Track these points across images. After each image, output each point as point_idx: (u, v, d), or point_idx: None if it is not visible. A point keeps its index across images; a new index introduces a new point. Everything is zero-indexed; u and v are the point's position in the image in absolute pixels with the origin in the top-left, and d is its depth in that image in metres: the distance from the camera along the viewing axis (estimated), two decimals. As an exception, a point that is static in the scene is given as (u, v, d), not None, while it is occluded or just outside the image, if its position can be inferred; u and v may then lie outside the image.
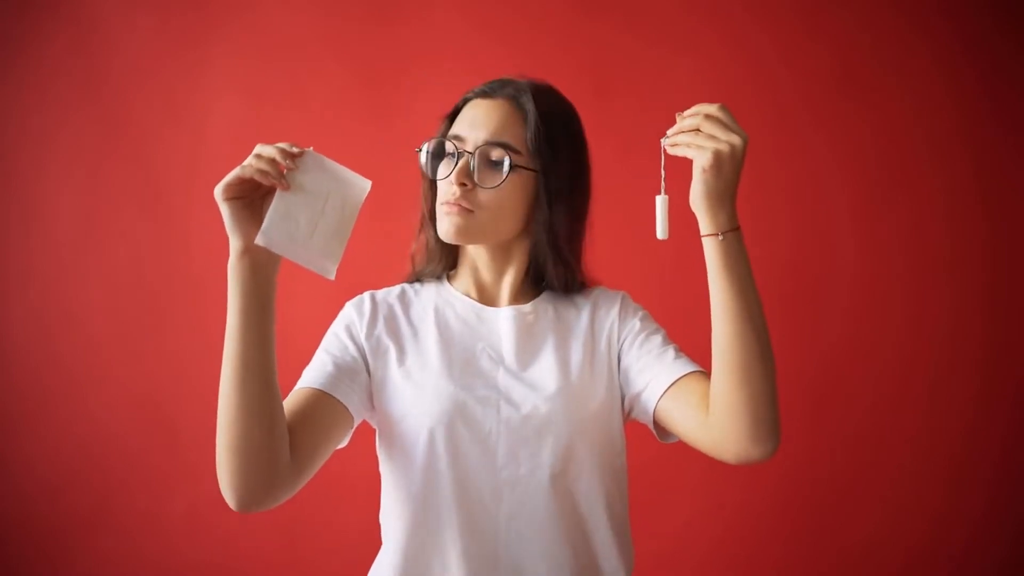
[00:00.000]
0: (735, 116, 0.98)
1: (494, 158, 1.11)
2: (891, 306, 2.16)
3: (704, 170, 0.97)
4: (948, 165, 2.15)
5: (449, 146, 1.13)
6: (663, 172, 1.04)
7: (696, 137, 0.97)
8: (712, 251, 1.00)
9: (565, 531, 1.11)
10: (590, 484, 1.13)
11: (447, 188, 1.12)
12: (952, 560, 2.14)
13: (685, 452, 1.94)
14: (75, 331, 2.18)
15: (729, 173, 0.97)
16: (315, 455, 1.06)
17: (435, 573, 1.11)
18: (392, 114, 2.14)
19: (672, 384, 1.12)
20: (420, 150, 1.15)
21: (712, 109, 0.98)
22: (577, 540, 1.12)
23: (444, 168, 1.13)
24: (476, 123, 1.13)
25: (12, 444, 2.17)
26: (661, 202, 1.04)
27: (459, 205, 1.11)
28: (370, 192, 1.01)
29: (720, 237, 0.99)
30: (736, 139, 0.96)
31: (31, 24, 2.18)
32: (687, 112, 1.00)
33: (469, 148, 1.12)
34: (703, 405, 1.07)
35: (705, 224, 1.00)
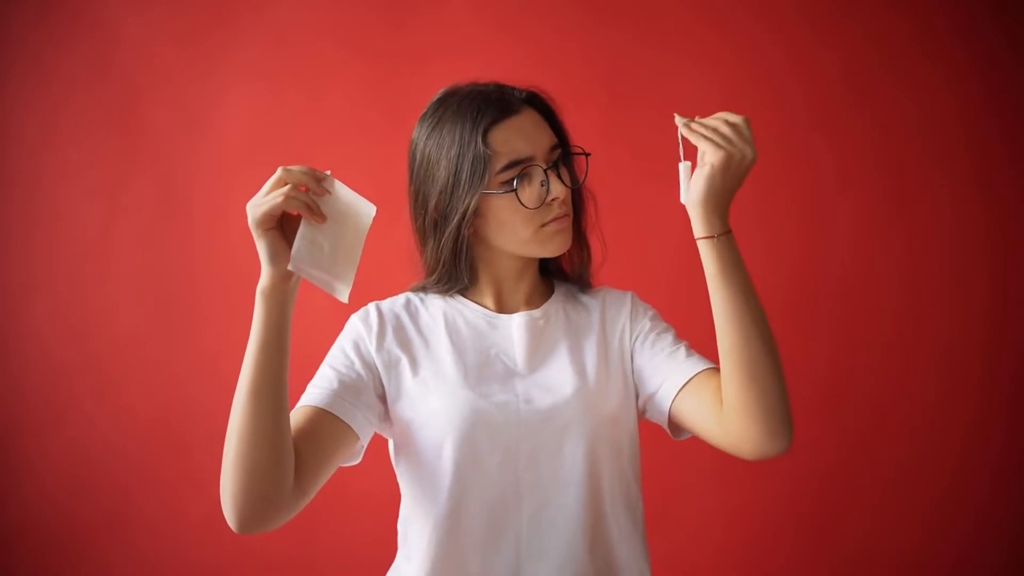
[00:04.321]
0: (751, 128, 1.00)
1: (562, 159, 1.15)
2: (892, 307, 2.17)
3: (712, 167, 0.99)
4: (950, 168, 2.17)
5: (524, 167, 1.11)
6: (681, 141, 1.05)
7: (714, 134, 1.00)
8: (708, 254, 1.02)
9: (587, 533, 1.11)
10: (611, 485, 1.12)
11: (551, 206, 1.12)
12: (952, 560, 2.16)
13: (690, 455, 1.96)
14: (85, 340, 2.18)
15: (732, 180, 1.00)
16: (318, 474, 1.05)
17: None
18: (406, 114, 2.13)
19: (686, 383, 1.12)
20: (514, 186, 1.10)
21: (737, 119, 1.01)
22: (599, 543, 1.12)
23: (536, 190, 1.11)
24: (531, 137, 1.12)
25: (23, 454, 2.17)
26: (684, 168, 1.05)
27: (568, 216, 1.14)
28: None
29: (715, 239, 1.01)
30: (748, 150, 0.99)
31: (34, 23, 2.18)
32: (714, 115, 1.02)
33: (545, 160, 1.12)
34: (717, 402, 1.07)
35: (699, 227, 1.02)
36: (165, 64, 2.18)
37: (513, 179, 1.10)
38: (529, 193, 1.11)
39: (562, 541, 1.10)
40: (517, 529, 1.10)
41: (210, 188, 2.17)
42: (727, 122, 1.00)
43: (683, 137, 1.04)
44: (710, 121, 1.01)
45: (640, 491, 1.18)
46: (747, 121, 1.00)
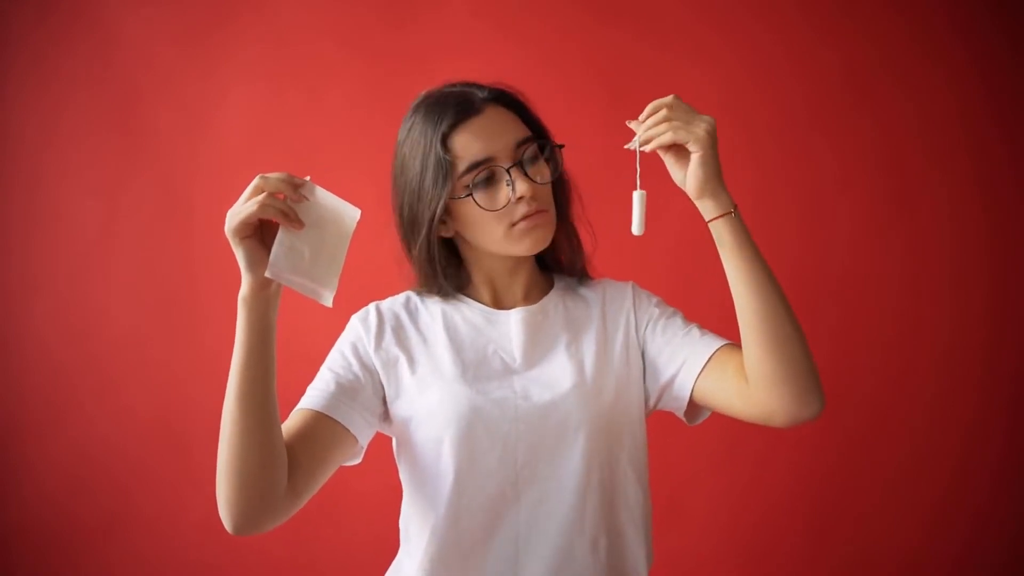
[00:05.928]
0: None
1: (535, 153, 1.13)
2: (892, 307, 2.17)
3: (704, 151, 0.99)
4: (950, 168, 2.17)
5: (490, 167, 1.09)
6: (638, 168, 1.05)
7: (673, 126, 0.99)
8: (725, 231, 1.02)
9: (585, 528, 1.11)
10: (611, 480, 1.13)
11: (523, 203, 1.09)
12: (951, 560, 2.16)
13: (691, 453, 1.96)
14: (85, 340, 2.18)
15: (716, 150, 1.00)
16: (314, 477, 1.06)
17: (460, 574, 1.12)
18: (404, 113, 2.15)
19: (708, 361, 1.12)
20: (471, 191, 1.09)
21: (669, 101, 1.01)
22: (598, 537, 1.12)
23: (501, 190, 1.09)
24: (492, 137, 1.10)
25: (23, 454, 2.17)
26: (639, 198, 1.04)
27: (544, 210, 1.11)
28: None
29: (732, 214, 1.02)
30: (706, 117, 1.00)
31: (34, 23, 2.18)
32: (642, 115, 1.02)
33: (510, 159, 1.10)
34: (741, 376, 1.07)
35: (712, 207, 1.02)
36: (165, 64, 2.18)
37: (476, 182, 1.10)
38: (491, 195, 1.10)
39: (561, 536, 1.10)
40: (516, 524, 1.11)
41: (210, 188, 2.17)
42: (668, 109, 1.00)
43: (640, 164, 1.03)
44: (653, 119, 1.01)
45: (644, 486, 1.18)
46: (676, 97, 1.01)
